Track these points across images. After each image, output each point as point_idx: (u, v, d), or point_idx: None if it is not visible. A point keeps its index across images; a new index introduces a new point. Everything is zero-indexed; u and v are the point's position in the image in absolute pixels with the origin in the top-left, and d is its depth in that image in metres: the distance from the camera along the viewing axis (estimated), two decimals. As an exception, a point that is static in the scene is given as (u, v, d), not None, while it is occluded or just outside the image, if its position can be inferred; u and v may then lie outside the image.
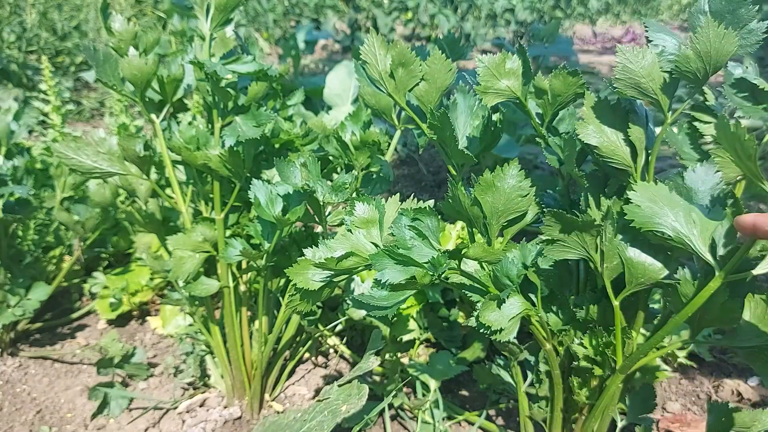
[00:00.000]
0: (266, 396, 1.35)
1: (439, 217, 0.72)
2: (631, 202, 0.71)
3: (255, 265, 1.15)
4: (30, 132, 2.88)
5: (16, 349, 1.56)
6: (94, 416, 1.30)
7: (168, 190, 1.61)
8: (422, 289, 0.93)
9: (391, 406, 1.28)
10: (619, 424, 1.06)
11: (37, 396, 1.41)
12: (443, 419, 1.25)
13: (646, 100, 0.74)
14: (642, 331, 0.92)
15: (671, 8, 8.23)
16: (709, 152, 0.91)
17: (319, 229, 1.50)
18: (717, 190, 0.73)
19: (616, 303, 0.79)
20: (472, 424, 1.24)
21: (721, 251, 0.70)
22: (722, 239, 0.70)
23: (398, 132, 1.15)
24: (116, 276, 1.68)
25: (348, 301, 1.38)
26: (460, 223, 1.53)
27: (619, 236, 0.76)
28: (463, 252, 0.68)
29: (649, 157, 0.78)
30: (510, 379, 1.07)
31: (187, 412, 1.34)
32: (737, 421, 0.84)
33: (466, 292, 0.76)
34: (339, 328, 1.48)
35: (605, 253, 0.76)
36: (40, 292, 1.48)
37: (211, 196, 1.18)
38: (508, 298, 0.73)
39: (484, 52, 0.86)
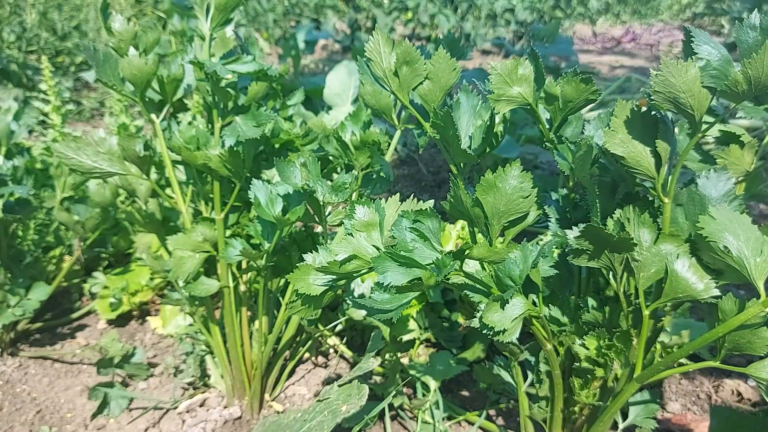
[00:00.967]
0: (266, 396, 1.35)
1: (440, 217, 0.72)
2: (709, 214, 0.71)
3: (255, 265, 1.15)
4: (30, 132, 2.88)
5: (16, 349, 1.56)
6: (94, 416, 1.30)
7: (168, 190, 1.61)
8: (423, 290, 0.93)
9: (391, 406, 1.28)
10: (621, 425, 1.06)
11: (37, 396, 1.41)
12: (443, 419, 1.25)
13: (681, 114, 0.72)
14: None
15: (671, 8, 8.23)
16: (710, 153, 0.91)
17: (319, 229, 1.50)
18: (730, 197, 0.72)
19: (646, 312, 0.78)
20: (472, 424, 1.24)
21: None
22: None
23: (398, 132, 1.15)
24: (116, 276, 1.68)
25: (348, 301, 1.38)
26: (460, 223, 1.53)
27: (665, 246, 0.75)
28: (466, 252, 0.68)
29: (673, 169, 0.77)
30: (510, 379, 1.07)
31: (187, 412, 1.34)
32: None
33: (468, 293, 0.76)
34: (339, 328, 1.48)
35: (642, 262, 0.75)
36: (40, 292, 1.48)
37: (211, 196, 1.18)
38: (511, 298, 0.73)
39: (485, 52, 0.86)
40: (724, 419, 0.88)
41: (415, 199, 0.81)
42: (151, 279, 1.69)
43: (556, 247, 0.83)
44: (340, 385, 0.92)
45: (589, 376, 0.87)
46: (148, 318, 1.71)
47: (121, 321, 1.70)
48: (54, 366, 1.52)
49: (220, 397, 1.38)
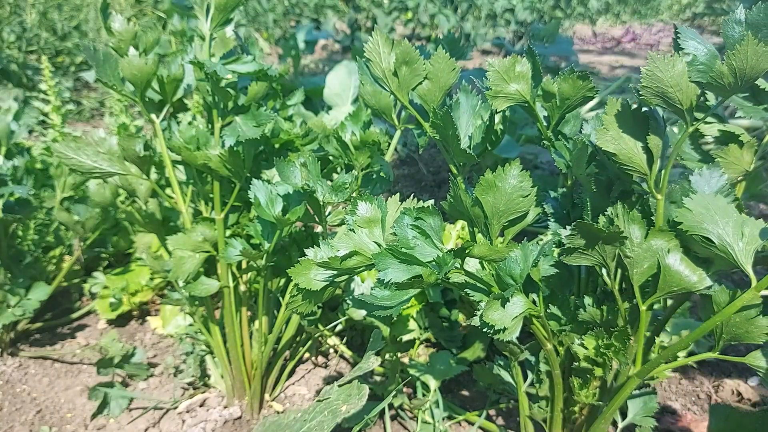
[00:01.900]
0: (266, 396, 1.35)
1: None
2: (685, 206, 0.71)
3: (255, 265, 1.15)
4: (30, 132, 2.88)
5: (16, 349, 1.56)
6: (94, 416, 1.30)
7: (168, 190, 1.61)
8: (423, 289, 0.94)
9: (391, 406, 1.28)
10: (620, 425, 1.06)
11: (37, 396, 1.41)
12: (443, 419, 1.25)
13: (670, 109, 0.73)
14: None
15: (671, 8, 8.23)
16: (709, 153, 0.91)
17: (319, 229, 1.50)
18: (723, 193, 0.72)
19: (643, 308, 0.78)
20: (472, 424, 1.24)
21: None
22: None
23: (398, 132, 1.15)
24: (116, 276, 1.68)
25: (348, 301, 1.38)
26: (460, 223, 1.53)
27: (655, 241, 0.75)
28: (467, 251, 0.68)
29: (666, 164, 0.77)
30: (510, 379, 1.07)
31: (187, 412, 1.34)
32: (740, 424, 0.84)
33: (468, 292, 0.76)
34: (339, 328, 1.48)
35: (634, 258, 0.76)
36: (40, 292, 1.48)
37: (211, 196, 1.18)
38: (511, 297, 0.73)
39: (485, 52, 0.86)
40: (724, 417, 0.89)
41: (415, 199, 0.81)
42: (151, 279, 1.69)
43: (556, 246, 0.84)
44: (340, 385, 0.92)
45: (588, 375, 0.87)
46: (148, 318, 1.71)
47: (121, 321, 1.70)
48: (54, 366, 1.52)
49: (220, 397, 1.38)
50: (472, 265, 0.77)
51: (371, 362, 0.94)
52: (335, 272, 0.72)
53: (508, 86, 0.81)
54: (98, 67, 1.09)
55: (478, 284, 0.76)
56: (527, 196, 0.74)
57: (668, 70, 0.70)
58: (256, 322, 1.26)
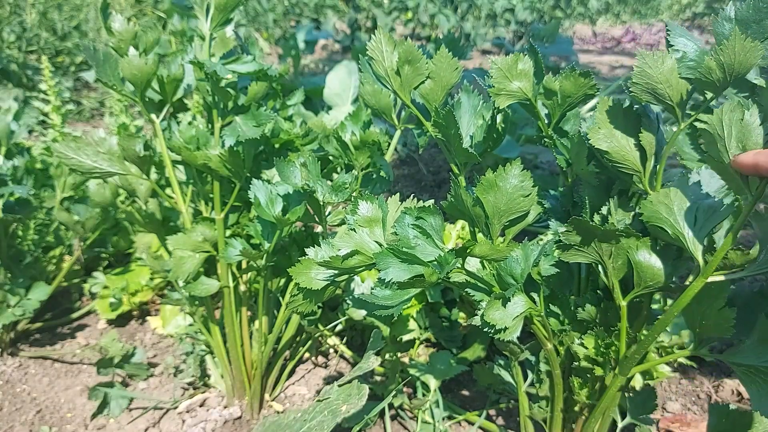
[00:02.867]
0: (266, 396, 1.35)
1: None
2: (647, 199, 0.72)
3: (255, 265, 1.15)
4: (30, 132, 2.88)
5: (16, 349, 1.56)
6: (94, 416, 1.30)
7: (168, 190, 1.61)
8: (424, 289, 0.94)
9: (391, 406, 1.28)
10: (620, 424, 1.06)
11: (37, 396, 1.41)
12: (443, 419, 1.25)
13: (661, 105, 0.73)
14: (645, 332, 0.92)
15: (671, 8, 8.23)
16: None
17: (319, 229, 1.50)
18: (722, 193, 0.72)
19: (623, 303, 0.79)
20: (472, 424, 1.24)
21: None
22: (722, 240, 0.69)
23: (398, 132, 1.15)
24: (116, 276, 1.68)
25: (348, 301, 1.38)
26: (460, 223, 1.53)
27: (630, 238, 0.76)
28: (468, 250, 0.68)
29: (659, 161, 0.77)
30: (510, 379, 1.07)
31: (187, 412, 1.34)
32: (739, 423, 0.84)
33: (469, 291, 0.76)
34: (339, 328, 1.48)
35: (612, 253, 0.77)
36: (40, 292, 1.48)
37: (211, 196, 1.18)
38: (512, 296, 0.73)
39: (485, 52, 0.86)
40: (723, 416, 0.89)
41: (415, 198, 0.81)
42: (151, 279, 1.69)
43: (556, 245, 0.84)
44: (340, 385, 0.92)
45: (588, 375, 0.87)
46: (148, 318, 1.71)
47: (121, 321, 1.70)
48: (54, 366, 1.52)
49: (220, 397, 1.38)
50: (472, 264, 0.77)
51: (371, 362, 0.94)
52: (336, 271, 0.72)
53: (511, 83, 0.81)
54: (98, 67, 1.09)
55: (479, 284, 0.76)
56: (528, 195, 0.74)
57: (658, 67, 0.70)
58: (256, 322, 1.25)
